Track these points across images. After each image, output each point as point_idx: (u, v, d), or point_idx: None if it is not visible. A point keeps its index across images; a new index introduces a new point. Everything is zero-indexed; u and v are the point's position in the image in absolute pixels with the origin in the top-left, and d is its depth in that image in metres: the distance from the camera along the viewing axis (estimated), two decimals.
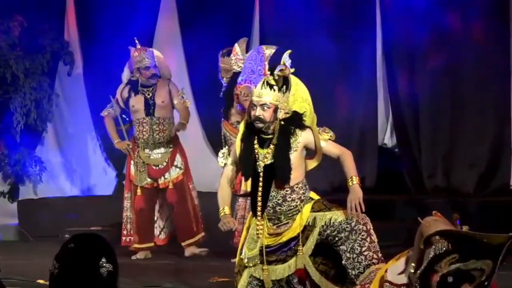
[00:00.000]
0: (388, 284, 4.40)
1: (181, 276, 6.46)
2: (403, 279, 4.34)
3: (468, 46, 8.77)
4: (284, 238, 5.06)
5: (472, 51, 8.76)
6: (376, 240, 4.94)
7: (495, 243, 3.84)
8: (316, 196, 5.16)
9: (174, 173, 7.64)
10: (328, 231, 4.98)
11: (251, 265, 5.06)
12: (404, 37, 9.03)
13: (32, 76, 9.64)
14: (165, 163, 7.61)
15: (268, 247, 5.05)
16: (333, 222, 4.97)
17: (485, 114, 8.77)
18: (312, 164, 5.24)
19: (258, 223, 5.05)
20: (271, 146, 5.03)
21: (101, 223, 8.95)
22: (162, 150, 7.64)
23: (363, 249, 4.92)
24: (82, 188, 10.07)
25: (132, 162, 7.69)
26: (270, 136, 5.04)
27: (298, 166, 5.08)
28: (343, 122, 8.76)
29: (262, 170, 5.01)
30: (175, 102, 7.69)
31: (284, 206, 5.04)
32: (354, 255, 4.92)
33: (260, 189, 5.03)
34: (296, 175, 5.05)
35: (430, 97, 8.94)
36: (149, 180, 7.62)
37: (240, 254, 5.15)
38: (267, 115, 4.98)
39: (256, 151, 5.04)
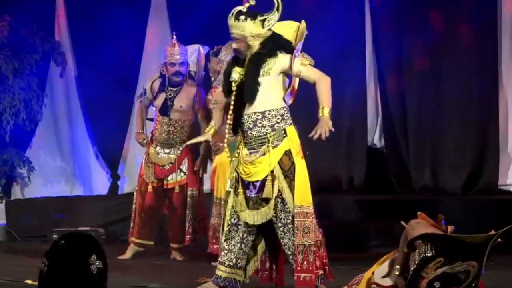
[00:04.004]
0: (375, 286, 4.41)
1: (168, 276, 6.46)
2: (389, 282, 4.35)
3: (455, 46, 8.80)
4: (254, 178, 5.12)
5: (459, 51, 8.79)
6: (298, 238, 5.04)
7: (478, 243, 3.85)
8: (293, 134, 5.17)
9: (179, 177, 7.51)
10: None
11: (231, 189, 5.19)
12: (393, 39, 9.07)
13: (21, 76, 9.63)
14: (171, 164, 7.45)
15: (241, 179, 5.16)
16: (281, 195, 5.07)
17: (472, 113, 8.79)
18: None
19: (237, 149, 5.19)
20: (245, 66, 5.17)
21: (90, 223, 8.94)
22: (171, 151, 7.47)
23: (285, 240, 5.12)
24: (72, 188, 10.05)
25: (144, 156, 7.62)
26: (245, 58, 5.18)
27: (271, 91, 5.13)
28: (332, 122, 8.74)
29: (235, 89, 5.15)
30: (199, 114, 7.46)
31: (254, 131, 5.10)
32: (285, 237, 5.11)
33: (231, 107, 5.15)
34: (269, 101, 5.11)
35: (417, 98, 8.97)
36: (154, 178, 7.47)
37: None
38: (240, 46, 5.14)
39: (233, 70, 5.18)
